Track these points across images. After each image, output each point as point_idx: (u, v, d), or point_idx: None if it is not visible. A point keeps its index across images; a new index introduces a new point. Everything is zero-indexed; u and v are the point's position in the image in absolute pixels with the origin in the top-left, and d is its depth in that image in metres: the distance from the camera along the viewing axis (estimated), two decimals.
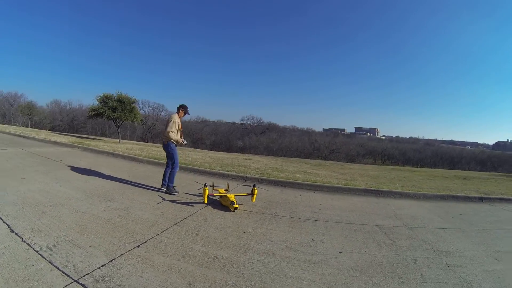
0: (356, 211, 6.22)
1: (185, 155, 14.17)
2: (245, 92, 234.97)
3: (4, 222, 3.83)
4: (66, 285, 2.57)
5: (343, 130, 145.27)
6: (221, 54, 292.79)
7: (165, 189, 6.45)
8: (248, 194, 5.99)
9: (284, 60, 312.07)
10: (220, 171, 9.43)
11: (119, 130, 22.03)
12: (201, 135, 71.99)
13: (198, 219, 4.82)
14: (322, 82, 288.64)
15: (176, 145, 6.62)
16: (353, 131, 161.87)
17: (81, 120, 66.69)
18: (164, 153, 6.71)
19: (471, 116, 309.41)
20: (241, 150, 62.94)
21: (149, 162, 10.50)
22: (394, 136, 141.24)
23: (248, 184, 7.82)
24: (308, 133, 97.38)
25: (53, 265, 2.86)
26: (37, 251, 3.10)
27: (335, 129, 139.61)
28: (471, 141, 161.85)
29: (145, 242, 3.67)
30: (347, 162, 49.29)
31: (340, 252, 3.93)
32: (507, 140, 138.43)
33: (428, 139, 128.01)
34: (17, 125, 40.77)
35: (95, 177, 7.27)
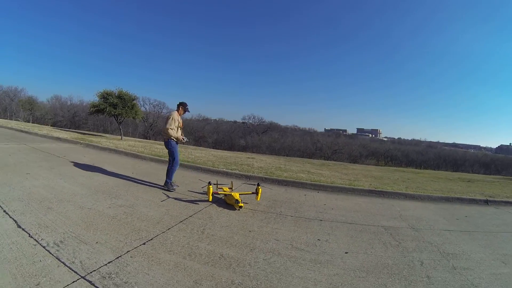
0: (361, 211, 6.20)
1: (188, 153, 14.18)
2: (246, 92, 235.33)
3: (11, 217, 3.84)
4: (73, 282, 2.57)
5: (345, 130, 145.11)
6: (221, 53, 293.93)
7: (174, 188, 6.45)
8: (253, 193, 5.98)
9: (284, 60, 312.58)
10: (224, 169, 9.41)
11: (120, 127, 22.04)
12: (203, 133, 72.10)
13: (203, 217, 4.81)
14: (323, 83, 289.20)
15: (177, 143, 6.62)
16: (355, 132, 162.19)
17: (82, 116, 66.84)
18: (166, 151, 6.71)
19: (473, 119, 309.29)
20: (243, 149, 63.13)
21: (152, 159, 10.52)
22: (396, 137, 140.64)
23: (252, 183, 7.79)
24: (310, 133, 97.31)
25: (60, 261, 2.86)
26: (44, 247, 3.10)
27: (337, 129, 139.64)
28: (474, 144, 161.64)
29: (151, 239, 3.67)
30: (350, 162, 49.19)
31: (346, 253, 3.92)
32: (510, 143, 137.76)
33: (431, 142, 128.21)
34: (18, 120, 40.92)
35: (98, 173, 7.27)
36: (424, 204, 7.51)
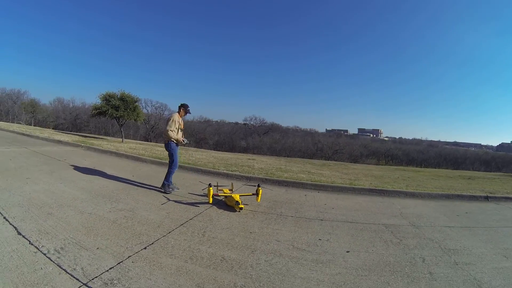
0: (362, 210, 6.20)
1: (189, 155, 14.17)
2: (247, 93, 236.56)
3: (11, 224, 3.82)
4: None
5: (346, 131, 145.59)
6: (222, 54, 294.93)
7: (171, 189, 6.46)
8: (253, 194, 5.97)
9: (285, 61, 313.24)
10: (224, 171, 9.41)
11: (122, 129, 22.08)
12: (204, 135, 72.10)
13: (204, 219, 4.80)
14: (324, 84, 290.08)
15: (177, 145, 6.62)
16: (356, 132, 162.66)
17: (84, 119, 66.91)
18: (167, 153, 6.71)
19: (474, 118, 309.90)
20: (244, 150, 63.06)
21: (152, 162, 10.51)
22: (397, 137, 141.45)
23: (252, 184, 7.79)
24: (311, 133, 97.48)
25: (61, 268, 2.85)
26: (45, 254, 3.09)
27: (338, 130, 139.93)
28: (475, 142, 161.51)
29: (152, 243, 3.66)
30: (351, 162, 49.19)
31: (347, 252, 3.92)
32: (511, 141, 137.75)
33: (432, 141, 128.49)
34: (20, 123, 40.89)
35: (99, 177, 7.26)
36: (424, 201, 7.52)
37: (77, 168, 8.10)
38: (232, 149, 64.55)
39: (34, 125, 42.72)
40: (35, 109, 49.33)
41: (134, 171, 8.54)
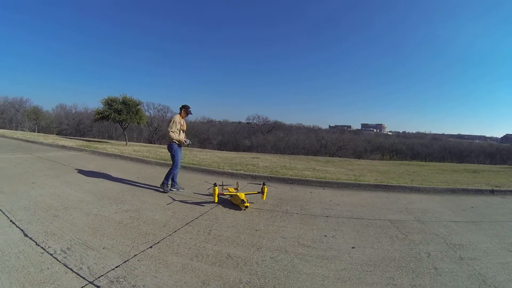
0: (367, 206, 6.19)
1: (193, 155, 14.21)
2: (249, 92, 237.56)
3: (17, 227, 3.86)
4: (82, 287, 2.58)
5: (349, 126, 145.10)
6: (222, 56, 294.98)
7: (175, 189, 6.50)
8: (258, 193, 5.98)
9: (285, 60, 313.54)
10: (229, 170, 9.43)
11: (125, 132, 22.15)
12: (208, 135, 72.07)
13: (210, 218, 4.82)
14: (326, 81, 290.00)
15: (179, 146, 6.66)
16: (360, 127, 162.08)
17: (87, 124, 67.18)
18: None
19: (478, 110, 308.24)
20: (248, 149, 63.06)
21: (157, 164, 10.55)
22: (400, 131, 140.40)
23: (257, 183, 7.81)
24: (314, 130, 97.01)
25: (67, 267, 2.88)
26: (51, 254, 3.12)
27: (342, 126, 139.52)
28: (479, 134, 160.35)
29: (158, 242, 3.68)
30: (355, 158, 49.10)
31: (352, 248, 3.91)
32: None
33: (435, 134, 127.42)
34: (24, 130, 41.16)
35: (104, 179, 7.30)
36: (429, 196, 7.49)
37: (82, 171, 8.15)
38: (236, 148, 64.54)
39: (38, 132, 43.02)
40: (38, 116, 49.68)
41: (139, 173, 8.58)
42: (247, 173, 9.11)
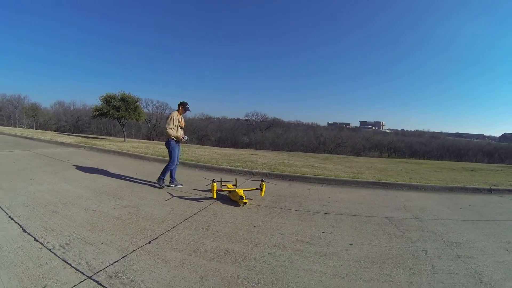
0: (365, 203, 6.20)
1: (192, 152, 14.22)
2: (247, 89, 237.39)
3: (16, 222, 3.86)
4: (80, 282, 2.59)
5: (348, 124, 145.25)
6: (222, 52, 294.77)
7: (173, 185, 6.52)
8: (257, 189, 5.98)
9: (284, 57, 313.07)
10: (228, 166, 9.44)
11: (124, 129, 22.10)
12: (206, 132, 71.99)
13: (208, 214, 4.83)
14: (325, 78, 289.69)
15: (177, 142, 6.67)
16: (358, 125, 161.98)
17: (85, 120, 66.99)
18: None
19: (477, 109, 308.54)
20: (247, 146, 62.96)
21: (155, 160, 10.56)
22: (399, 129, 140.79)
23: (256, 179, 7.83)
24: (313, 127, 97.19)
25: (66, 262, 2.89)
26: (50, 250, 3.13)
27: (340, 123, 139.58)
28: (477, 133, 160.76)
29: (156, 238, 3.69)
30: (354, 155, 49.02)
31: (350, 244, 3.93)
32: None
33: (434, 132, 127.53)
34: (22, 127, 40.98)
35: (103, 175, 7.31)
36: (427, 194, 7.51)
37: (80, 168, 8.15)
38: (234, 145, 64.44)
39: (36, 129, 42.82)
40: (36, 113, 49.49)
41: (137, 169, 8.58)
42: (245, 169, 9.12)
